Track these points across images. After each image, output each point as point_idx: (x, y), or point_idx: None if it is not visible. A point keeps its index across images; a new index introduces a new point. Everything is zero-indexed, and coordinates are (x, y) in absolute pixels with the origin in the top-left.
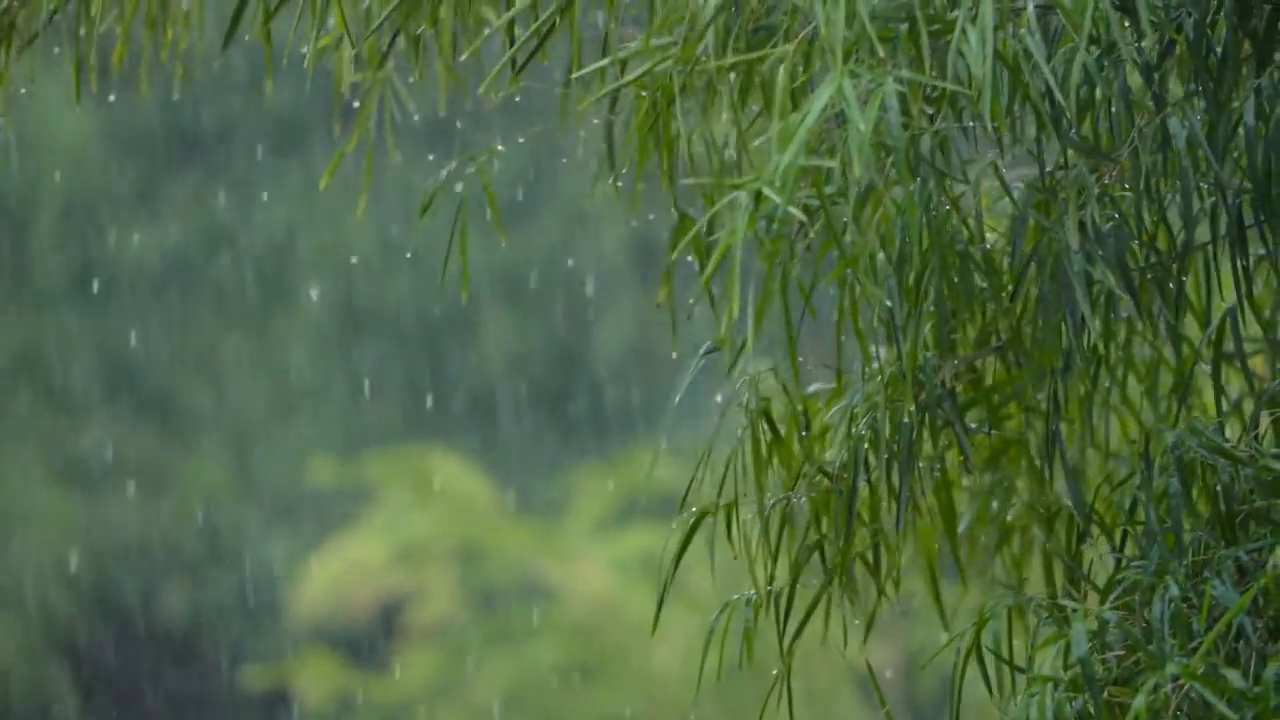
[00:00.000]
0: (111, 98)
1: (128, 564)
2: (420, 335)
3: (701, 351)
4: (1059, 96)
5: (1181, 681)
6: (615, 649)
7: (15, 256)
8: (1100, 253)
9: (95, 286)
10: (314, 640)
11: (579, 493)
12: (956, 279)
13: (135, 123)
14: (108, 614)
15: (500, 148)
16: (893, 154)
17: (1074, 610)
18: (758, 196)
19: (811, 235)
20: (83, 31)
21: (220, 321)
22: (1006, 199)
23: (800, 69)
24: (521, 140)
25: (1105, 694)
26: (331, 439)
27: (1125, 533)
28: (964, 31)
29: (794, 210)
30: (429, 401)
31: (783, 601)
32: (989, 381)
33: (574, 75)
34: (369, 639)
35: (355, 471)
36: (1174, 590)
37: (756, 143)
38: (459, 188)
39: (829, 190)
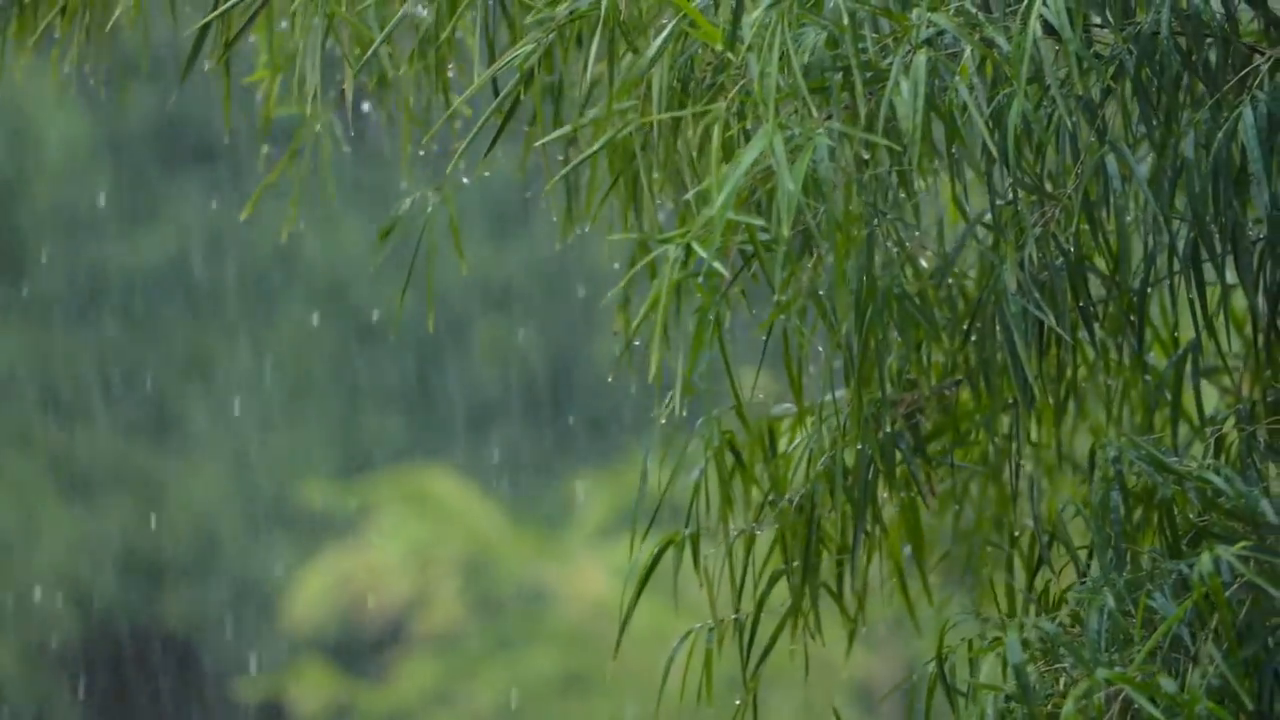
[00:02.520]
0: (104, 96)
1: (125, 574)
2: (420, 344)
3: (669, 396)
4: (991, 147)
5: (1117, 689)
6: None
7: (11, 264)
8: (1037, 295)
9: (92, 295)
10: (310, 650)
11: (579, 500)
12: (899, 322)
13: (130, 128)
14: (105, 623)
15: (465, 180)
16: (824, 205)
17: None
18: (688, 250)
19: (743, 282)
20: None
21: (217, 331)
22: (964, 233)
23: (735, 121)
24: (487, 174)
25: (1050, 705)
26: (330, 448)
27: (1088, 553)
28: (897, 82)
29: (718, 266)
30: (429, 409)
31: (747, 629)
32: (957, 408)
33: (534, 145)
34: (366, 648)
35: (354, 480)
36: (1110, 602)
37: (686, 196)
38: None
39: (766, 238)
